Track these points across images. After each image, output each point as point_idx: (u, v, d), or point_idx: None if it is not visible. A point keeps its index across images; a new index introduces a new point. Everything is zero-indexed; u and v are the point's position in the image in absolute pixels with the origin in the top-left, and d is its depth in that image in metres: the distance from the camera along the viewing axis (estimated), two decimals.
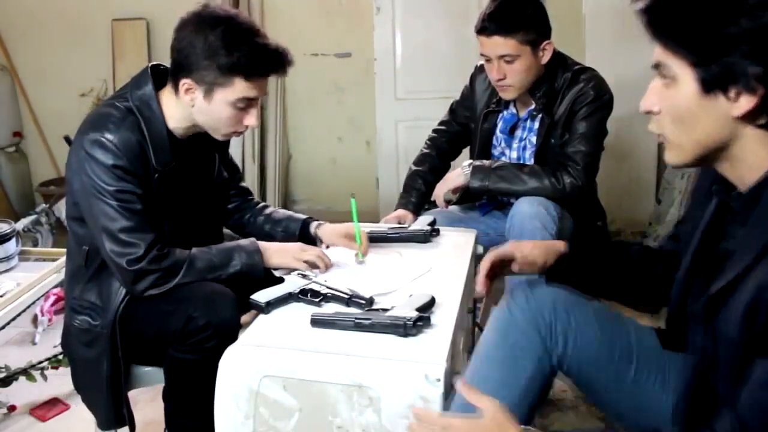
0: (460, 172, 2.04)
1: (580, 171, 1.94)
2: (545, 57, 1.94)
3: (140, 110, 1.47)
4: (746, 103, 0.86)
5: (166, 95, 1.51)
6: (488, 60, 1.94)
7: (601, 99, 1.96)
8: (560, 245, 1.34)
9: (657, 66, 0.93)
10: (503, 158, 2.12)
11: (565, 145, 1.97)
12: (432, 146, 2.25)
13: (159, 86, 1.51)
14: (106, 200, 1.41)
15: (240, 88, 1.44)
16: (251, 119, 1.50)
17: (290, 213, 1.81)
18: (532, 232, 1.83)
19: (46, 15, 4.09)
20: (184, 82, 1.44)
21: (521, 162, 2.07)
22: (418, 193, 2.16)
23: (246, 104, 1.47)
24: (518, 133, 2.09)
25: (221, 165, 1.69)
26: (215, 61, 1.40)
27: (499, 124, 2.12)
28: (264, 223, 1.78)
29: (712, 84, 0.88)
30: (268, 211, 1.81)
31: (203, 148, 1.62)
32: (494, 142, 2.15)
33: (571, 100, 1.96)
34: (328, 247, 1.70)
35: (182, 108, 1.49)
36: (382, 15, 3.65)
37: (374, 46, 3.70)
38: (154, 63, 1.55)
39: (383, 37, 3.68)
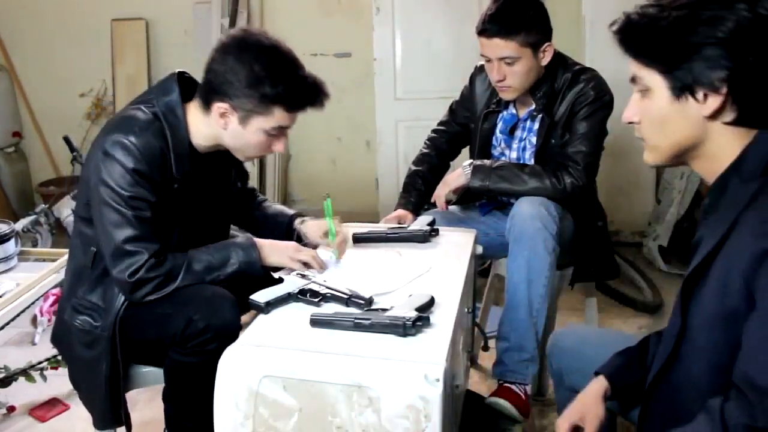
0: (460, 172, 2.03)
1: (580, 171, 1.94)
2: (546, 59, 1.94)
3: (166, 117, 1.47)
4: (713, 102, 0.96)
5: (193, 110, 1.51)
6: (488, 60, 1.94)
7: (602, 99, 1.96)
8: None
9: (633, 80, 1.04)
10: (503, 158, 2.12)
11: (565, 145, 1.97)
12: (431, 146, 2.25)
13: (184, 95, 1.51)
14: (116, 206, 1.41)
15: (278, 117, 1.47)
16: (280, 146, 1.54)
17: (282, 208, 1.83)
18: (532, 233, 1.83)
19: (45, 15, 4.09)
20: (220, 106, 1.45)
21: (521, 161, 2.07)
22: (417, 193, 2.15)
23: (278, 132, 1.50)
24: (518, 133, 2.09)
25: (236, 176, 1.71)
26: (258, 91, 1.42)
27: (499, 125, 2.12)
28: (259, 217, 1.81)
29: (681, 89, 0.97)
30: (265, 204, 1.84)
31: (222, 162, 1.62)
32: (494, 142, 2.15)
33: (572, 100, 1.96)
34: (316, 247, 1.69)
35: (210, 127, 1.50)
36: (382, 15, 3.65)
37: (374, 46, 3.70)
38: (180, 70, 1.55)
39: (383, 37, 3.68)
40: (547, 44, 1.92)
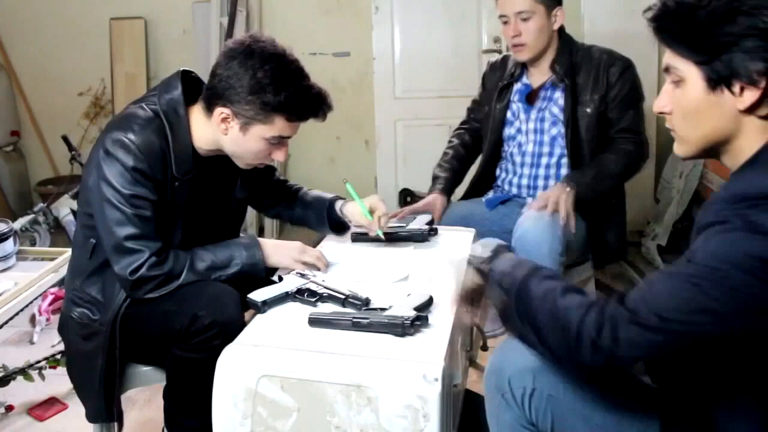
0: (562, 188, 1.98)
1: (641, 137, 2.07)
2: (557, 23, 2.06)
3: (167, 115, 1.46)
4: (750, 96, 0.92)
5: (196, 113, 1.51)
6: (506, 22, 2.07)
7: (633, 66, 2.10)
8: None
9: (667, 69, 1.00)
10: (519, 136, 2.18)
11: (617, 120, 2.07)
12: (456, 142, 2.34)
13: (187, 93, 1.50)
14: (118, 204, 1.40)
15: (279, 126, 1.45)
16: (280, 155, 1.53)
17: (318, 194, 1.80)
18: (540, 258, 1.81)
19: (44, 14, 4.08)
20: (222, 111, 1.44)
21: (540, 133, 2.14)
22: (444, 178, 2.22)
23: (279, 141, 1.49)
24: (537, 103, 2.15)
25: (245, 179, 1.67)
26: (260, 98, 1.41)
27: (516, 97, 2.19)
28: (296, 207, 1.79)
29: (717, 81, 0.94)
30: (300, 193, 1.81)
31: (226, 163, 1.60)
32: (509, 117, 2.20)
33: (603, 69, 2.06)
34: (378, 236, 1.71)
35: (211, 132, 1.49)
36: (381, 14, 3.65)
37: (373, 46, 3.70)
38: (185, 69, 1.54)
39: (382, 37, 3.68)
40: (558, 8, 2.06)
